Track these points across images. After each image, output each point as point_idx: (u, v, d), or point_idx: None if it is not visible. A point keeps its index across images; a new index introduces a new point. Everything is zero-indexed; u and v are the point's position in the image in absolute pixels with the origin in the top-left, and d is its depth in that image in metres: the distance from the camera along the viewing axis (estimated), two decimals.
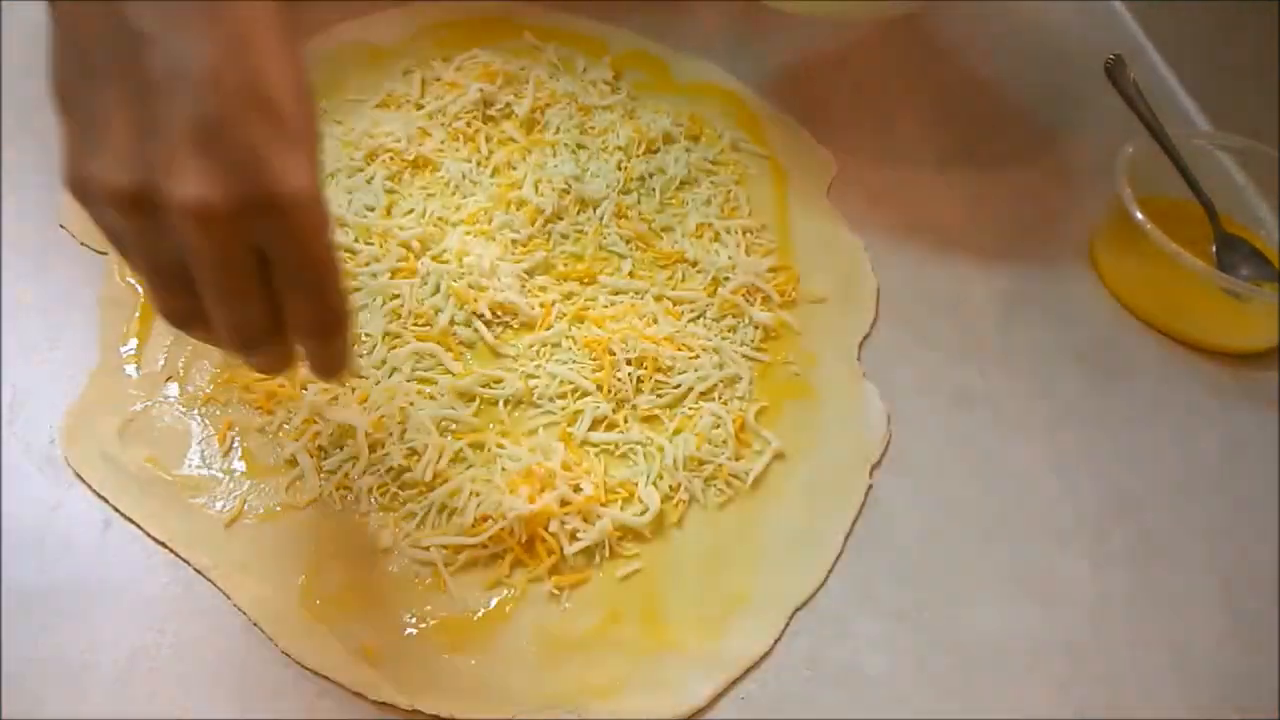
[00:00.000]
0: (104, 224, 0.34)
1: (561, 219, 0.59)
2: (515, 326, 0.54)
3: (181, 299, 0.34)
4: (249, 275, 0.33)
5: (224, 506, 0.46)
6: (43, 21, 0.33)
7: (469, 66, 0.67)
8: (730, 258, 0.59)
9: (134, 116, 0.31)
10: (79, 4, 0.32)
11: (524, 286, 0.56)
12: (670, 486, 0.49)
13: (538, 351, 0.53)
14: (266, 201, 0.31)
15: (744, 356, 0.55)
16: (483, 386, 0.51)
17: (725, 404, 0.52)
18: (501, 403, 0.51)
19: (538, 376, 0.52)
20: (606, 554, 0.46)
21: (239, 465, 0.47)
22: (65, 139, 0.32)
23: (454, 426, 0.49)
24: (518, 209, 0.59)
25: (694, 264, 0.59)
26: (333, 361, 0.37)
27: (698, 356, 0.54)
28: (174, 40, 0.31)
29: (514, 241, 0.58)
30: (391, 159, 0.61)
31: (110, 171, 0.31)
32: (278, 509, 0.46)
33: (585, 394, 0.51)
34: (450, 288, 0.54)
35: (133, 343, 0.51)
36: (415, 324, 0.53)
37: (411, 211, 0.58)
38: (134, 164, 0.31)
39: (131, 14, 0.31)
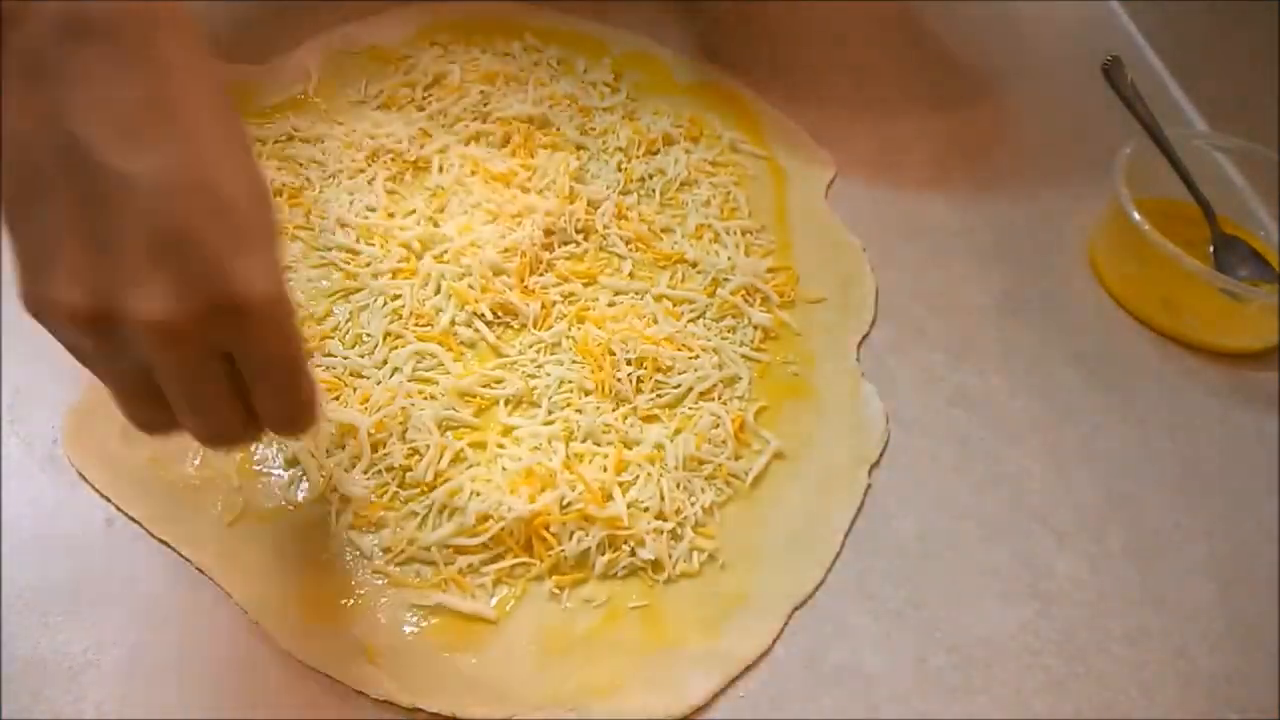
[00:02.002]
0: (66, 341, 0.32)
1: (562, 220, 0.59)
2: (516, 327, 0.55)
3: (151, 410, 0.34)
4: (218, 382, 0.33)
5: (226, 506, 0.46)
6: None
7: (470, 68, 0.68)
8: (730, 258, 0.59)
9: (87, 230, 0.30)
10: (25, 121, 0.30)
11: (525, 287, 0.56)
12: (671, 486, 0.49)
13: (538, 352, 0.53)
14: (230, 310, 0.30)
15: (743, 357, 0.55)
16: (483, 386, 0.51)
17: (725, 404, 0.52)
18: (502, 403, 0.51)
19: (538, 376, 0.52)
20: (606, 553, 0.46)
21: (240, 465, 0.47)
22: (18, 259, 0.31)
23: (455, 426, 0.50)
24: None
25: (694, 265, 0.59)
26: (298, 432, 0.37)
27: (697, 356, 0.54)
28: (123, 151, 0.30)
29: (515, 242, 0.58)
30: (393, 160, 0.61)
31: (66, 291, 0.30)
32: (279, 509, 0.46)
33: (586, 394, 0.52)
34: (451, 288, 0.54)
35: None
36: (416, 324, 0.53)
37: (413, 212, 0.58)
38: (91, 281, 0.30)
39: (80, 127, 0.30)
